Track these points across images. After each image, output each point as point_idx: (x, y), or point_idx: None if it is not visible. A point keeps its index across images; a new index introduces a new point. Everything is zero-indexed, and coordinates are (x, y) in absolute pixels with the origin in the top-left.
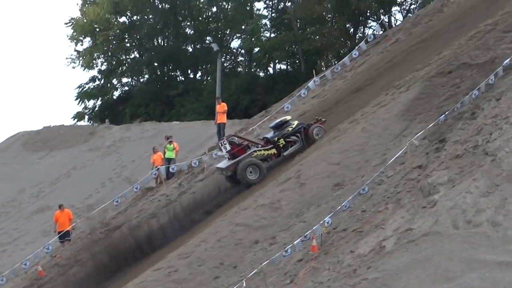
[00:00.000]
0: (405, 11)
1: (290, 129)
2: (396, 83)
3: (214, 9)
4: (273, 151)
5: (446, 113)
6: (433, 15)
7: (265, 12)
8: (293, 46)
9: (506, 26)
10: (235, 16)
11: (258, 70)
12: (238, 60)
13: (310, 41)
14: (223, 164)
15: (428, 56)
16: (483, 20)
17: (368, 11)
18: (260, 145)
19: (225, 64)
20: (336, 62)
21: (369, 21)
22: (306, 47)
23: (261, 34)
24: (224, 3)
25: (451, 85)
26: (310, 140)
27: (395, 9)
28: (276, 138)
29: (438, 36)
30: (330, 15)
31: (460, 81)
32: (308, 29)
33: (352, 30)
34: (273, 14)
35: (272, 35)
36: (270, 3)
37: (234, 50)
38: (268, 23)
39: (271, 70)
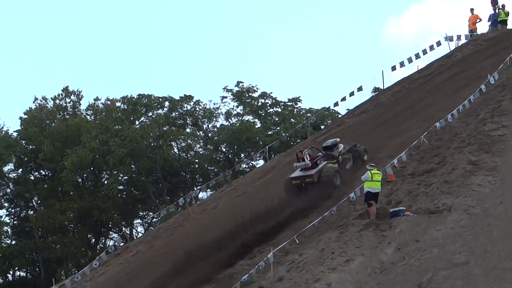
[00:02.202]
0: (146, 224)
1: (341, 149)
2: None
3: None
4: (336, 164)
5: None
6: (174, 230)
7: (6, 219)
8: (34, 254)
9: None
10: None
11: None
12: None
13: (51, 249)
14: (301, 173)
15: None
16: None
17: (110, 223)
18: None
19: None
20: (76, 271)
21: (111, 232)
22: (46, 255)
23: (2, 240)
24: None
25: None
26: (359, 159)
27: (137, 221)
28: (337, 155)
29: (179, 248)
30: (72, 225)
31: None
32: (49, 238)
33: (93, 240)
34: (14, 222)
35: (13, 242)
36: (12, 210)
37: None
38: (9, 230)
39: (10, 277)
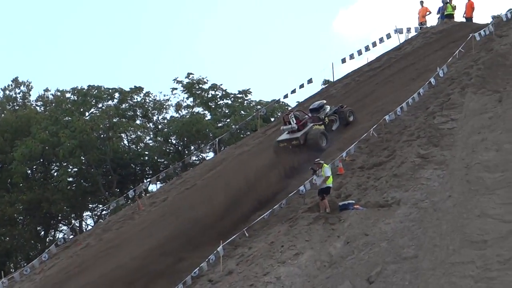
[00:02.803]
0: (96, 217)
1: (328, 111)
2: None
3: None
4: (322, 126)
5: None
6: (124, 222)
7: None
8: None
9: None
10: None
11: None
12: None
13: (0, 242)
14: (288, 135)
15: (118, 263)
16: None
17: (60, 215)
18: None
19: None
20: (25, 264)
21: (61, 224)
22: None
23: None
24: None
25: None
26: (344, 120)
27: (86, 214)
28: (323, 117)
29: (129, 241)
30: (22, 217)
31: None
32: None
33: (43, 232)
34: None
35: None
36: None
37: None
38: None
39: None
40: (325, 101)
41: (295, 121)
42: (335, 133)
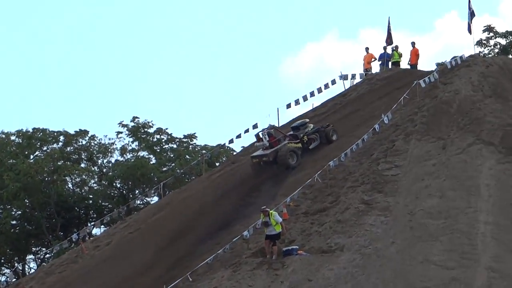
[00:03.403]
0: (39, 260)
1: (309, 129)
2: None
3: None
4: (299, 145)
5: None
6: (67, 266)
7: None
8: None
9: None
10: None
11: None
12: None
13: None
14: (261, 152)
15: None
16: None
17: (3, 258)
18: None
19: None
20: None
21: (3, 268)
22: None
23: None
24: None
25: None
26: (327, 140)
27: (29, 257)
28: (301, 135)
29: (72, 285)
30: None
31: None
32: None
33: None
34: None
35: None
36: None
37: None
38: None
39: None
40: (307, 120)
41: (267, 138)
42: (281, 178)
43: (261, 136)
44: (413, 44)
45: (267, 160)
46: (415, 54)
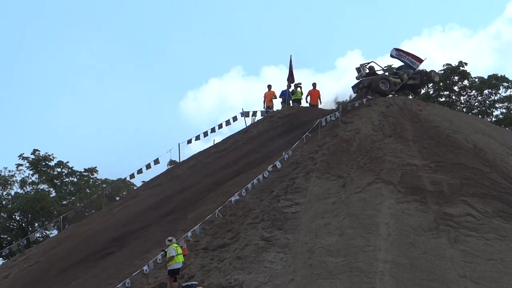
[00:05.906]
0: None
1: (412, 70)
2: None
3: None
4: (398, 80)
5: None
6: None
7: None
8: None
9: None
10: None
11: None
12: None
13: None
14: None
15: None
16: None
17: None
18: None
19: None
20: None
21: None
22: None
23: None
24: None
25: None
26: (427, 80)
27: None
28: (402, 73)
29: None
30: None
31: None
32: None
33: None
34: None
35: None
36: None
37: None
38: None
39: None
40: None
41: (367, 71)
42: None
43: (361, 68)
44: (314, 85)
45: (362, 86)
46: (316, 96)
